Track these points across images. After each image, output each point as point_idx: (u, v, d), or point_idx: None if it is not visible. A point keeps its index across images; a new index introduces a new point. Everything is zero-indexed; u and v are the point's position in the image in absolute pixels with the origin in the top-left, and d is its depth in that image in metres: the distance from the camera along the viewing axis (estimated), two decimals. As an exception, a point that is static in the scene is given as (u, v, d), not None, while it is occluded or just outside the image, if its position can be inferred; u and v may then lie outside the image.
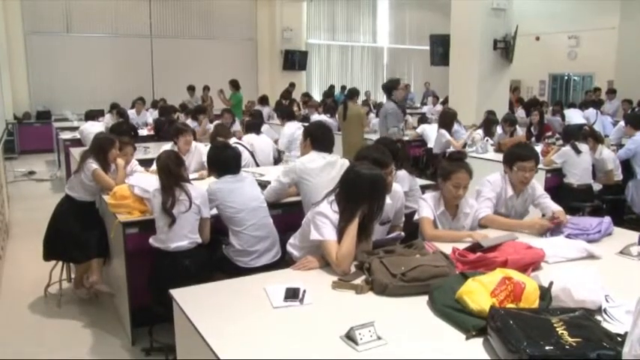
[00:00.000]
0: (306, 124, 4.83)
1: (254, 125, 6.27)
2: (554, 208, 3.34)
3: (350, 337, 1.83)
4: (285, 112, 7.33)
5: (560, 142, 6.08)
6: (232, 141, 5.30)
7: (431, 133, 7.73)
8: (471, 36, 8.88)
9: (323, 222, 2.56)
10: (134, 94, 10.56)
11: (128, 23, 12.98)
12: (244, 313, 2.09)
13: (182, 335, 2.22)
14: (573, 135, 5.70)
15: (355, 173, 2.66)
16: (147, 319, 3.43)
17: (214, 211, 3.41)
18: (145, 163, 4.78)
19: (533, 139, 7.20)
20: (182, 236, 3.22)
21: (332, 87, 14.85)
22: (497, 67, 9.00)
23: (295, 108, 11.06)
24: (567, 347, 1.59)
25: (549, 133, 6.92)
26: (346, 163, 3.37)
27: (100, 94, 11.97)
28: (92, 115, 8.35)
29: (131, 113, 9.31)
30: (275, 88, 13.99)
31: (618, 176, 5.68)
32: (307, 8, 15.42)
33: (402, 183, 3.56)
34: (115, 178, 4.02)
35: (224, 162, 3.52)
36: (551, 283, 2.09)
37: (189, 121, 7.43)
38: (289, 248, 2.92)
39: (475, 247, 2.60)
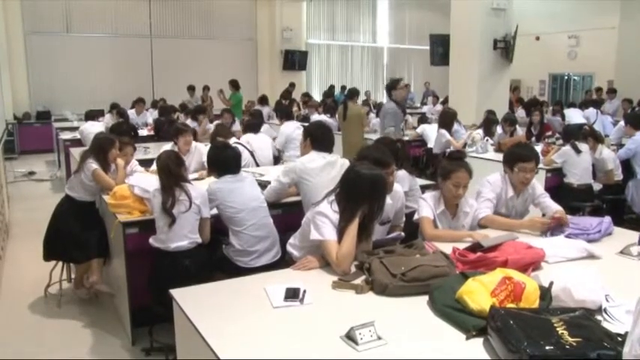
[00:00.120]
0: (306, 124, 4.82)
1: (253, 125, 6.28)
2: (555, 207, 3.34)
3: (350, 337, 1.83)
4: (284, 112, 7.37)
5: (560, 141, 6.08)
6: (232, 141, 5.31)
7: (431, 133, 7.73)
8: (471, 36, 8.88)
9: (323, 222, 2.56)
10: (134, 94, 10.55)
11: (128, 23, 12.98)
12: (244, 313, 2.09)
13: (182, 335, 2.22)
14: (573, 135, 5.69)
15: (355, 173, 2.65)
16: (147, 319, 3.43)
17: (214, 211, 3.41)
18: (145, 163, 4.78)
19: (533, 138, 7.21)
20: (182, 236, 3.22)
21: (332, 87, 14.85)
22: (497, 67, 9.00)
23: (295, 108, 11.09)
24: (567, 347, 1.59)
25: (549, 133, 6.91)
26: (346, 163, 3.37)
27: (100, 94, 11.98)
28: (92, 115, 8.36)
29: (131, 113, 9.30)
30: (275, 88, 13.99)
31: (618, 176, 5.67)
32: (307, 8, 15.42)
33: (402, 183, 3.55)
34: (115, 178, 4.02)
35: (224, 162, 3.52)
36: (551, 283, 2.09)
37: (189, 121, 7.42)
38: (289, 248, 2.92)
39: (475, 247, 2.60)
